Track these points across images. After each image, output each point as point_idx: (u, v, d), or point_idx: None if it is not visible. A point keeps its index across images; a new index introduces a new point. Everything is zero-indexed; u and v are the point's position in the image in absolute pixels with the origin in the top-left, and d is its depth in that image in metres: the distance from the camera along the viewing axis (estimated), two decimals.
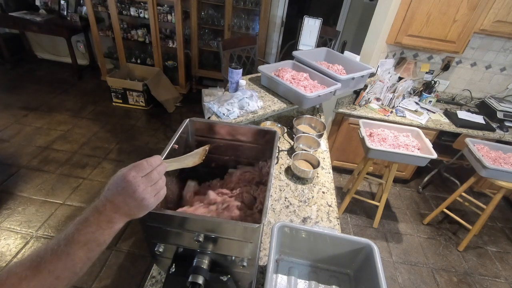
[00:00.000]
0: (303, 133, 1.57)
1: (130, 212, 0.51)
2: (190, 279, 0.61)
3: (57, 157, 2.61)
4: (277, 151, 1.48)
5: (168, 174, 0.57)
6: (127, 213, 0.51)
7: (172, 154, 0.75)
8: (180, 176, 0.93)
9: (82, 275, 0.48)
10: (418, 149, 1.93)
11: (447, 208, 2.39)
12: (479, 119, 2.53)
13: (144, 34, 3.53)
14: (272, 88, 1.77)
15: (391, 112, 2.50)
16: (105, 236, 0.49)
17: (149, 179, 0.51)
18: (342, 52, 2.24)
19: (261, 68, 1.73)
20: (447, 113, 2.59)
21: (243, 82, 1.61)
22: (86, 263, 0.48)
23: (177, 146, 0.79)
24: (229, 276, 0.67)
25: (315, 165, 1.38)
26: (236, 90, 1.62)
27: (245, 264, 0.64)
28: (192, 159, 0.67)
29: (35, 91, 3.51)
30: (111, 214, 0.49)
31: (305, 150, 1.46)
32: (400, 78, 2.64)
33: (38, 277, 0.43)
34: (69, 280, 0.46)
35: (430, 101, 2.69)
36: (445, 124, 2.46)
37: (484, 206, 2.21)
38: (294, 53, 1.95)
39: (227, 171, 1.01)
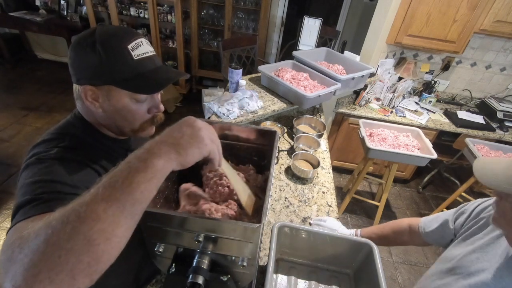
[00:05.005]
0: (303, 133, 1.57)
1: (180, 141, 0.44)
2: (190, 279, 0.61)
3: None
4: (277, 151, 1.48)
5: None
6: (177, 142, 0.44)
7: None
8: (179, 177, 0.93)
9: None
10: (418, 149, 1.93)
11: (447, 208, 2.38)
12: (479, 119, 2.53)
13: (144, 34, 3.53)
14: (272, 88, 1.77)
15: (391, 112, 2.50)
16: (139, 177, 0.39)
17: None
18: (342, 52, 2.24)
19: (261, 68, 1.73)
20: (447, 113, 2.59)
21: (243, 82, 1.61)
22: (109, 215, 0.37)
23: None
24: (229, 276, 0.67)
25: (315, 165, 1.38)
26: (236, 90, 1.62)
27: (245, 264, 0.64)
28: (243, 193, 0.70)
29: (35, 91, 3.51)
30: (156, 145, 0.43)
31: (305, 150, 1.46)
32: (400, 78, 2.64)
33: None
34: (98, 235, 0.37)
35: (430, 101, 2.69)
36: (445, 124, 2.46)
37: None
38: (294, 53, 1.95)
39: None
